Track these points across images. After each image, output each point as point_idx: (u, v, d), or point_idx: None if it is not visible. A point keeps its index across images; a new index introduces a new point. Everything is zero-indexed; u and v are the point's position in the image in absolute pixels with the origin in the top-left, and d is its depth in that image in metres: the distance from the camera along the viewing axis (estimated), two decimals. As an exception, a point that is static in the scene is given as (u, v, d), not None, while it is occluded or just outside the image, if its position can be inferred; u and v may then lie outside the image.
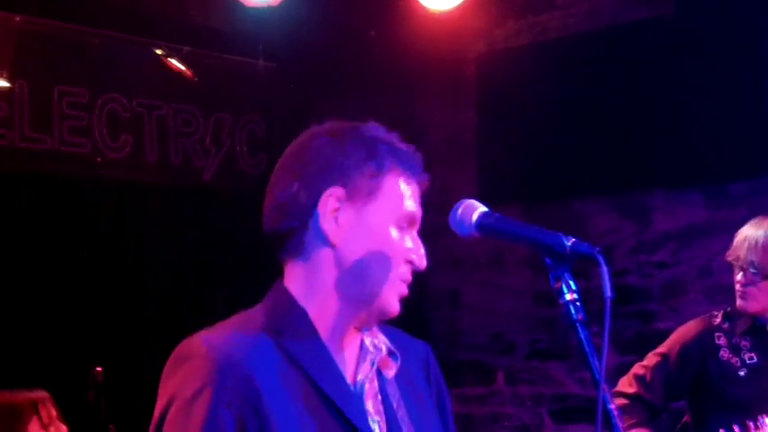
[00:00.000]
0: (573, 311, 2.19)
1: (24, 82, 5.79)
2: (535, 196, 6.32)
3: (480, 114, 6.86)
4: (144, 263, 6.41)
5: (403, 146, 2.48)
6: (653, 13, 6.25)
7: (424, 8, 5.93)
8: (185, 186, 6.61)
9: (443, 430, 2.64)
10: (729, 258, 4.44)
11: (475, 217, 2.37)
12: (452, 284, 6.64)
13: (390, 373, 2.50)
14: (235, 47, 6.60)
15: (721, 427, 4.37)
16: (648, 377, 4.52)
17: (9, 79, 5.66)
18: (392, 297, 2.43)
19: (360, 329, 2.48)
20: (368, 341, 2.49)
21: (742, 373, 4.36)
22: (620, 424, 2.15)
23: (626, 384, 4.47)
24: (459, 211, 2.38)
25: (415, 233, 2.46)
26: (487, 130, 6.81)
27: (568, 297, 2.20)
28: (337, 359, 2.45)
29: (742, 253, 4.36)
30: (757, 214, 5.44)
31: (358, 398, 2.44)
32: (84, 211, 6.16)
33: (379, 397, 2.48)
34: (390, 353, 2.49)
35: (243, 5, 5.56)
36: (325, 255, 2.43)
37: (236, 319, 2.48)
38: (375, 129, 2.49)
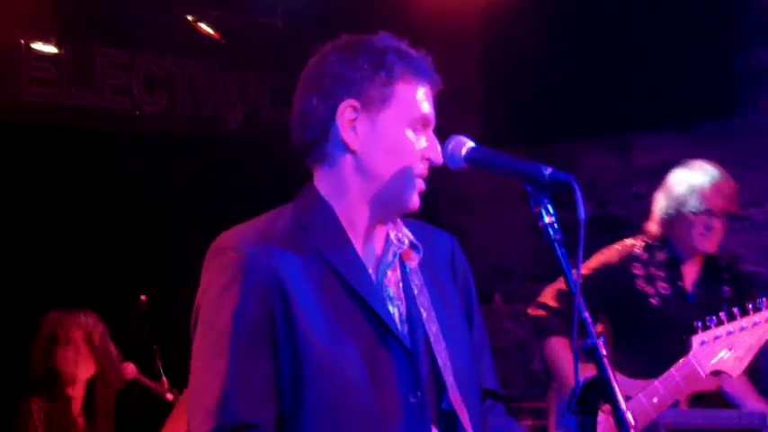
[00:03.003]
0: (551, 232, 2.25)
1: (69, 46, 5.83)
2: (530, 140, 6.35)
3: (482, 67, 6.88)
4: (178, 204, 6.58)
5: (413, 52, 2.52)
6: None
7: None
8: (215, 135, 6.63)
9: (466, 318, 2.68)
10: (719, 209, 4.50)
11: (464, 151, 2.44)
12: (458, 221, 6.62)
13: (413, 263, 2.55)
14: (256, 9, 6.52)
15: (637, 347, 4.47)
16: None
17: (57, 45, 5.74)
18: (410, 193, 2.48)
19: (385, 223, 2.52)
20: (392, 234, 2.53)
21: (654, 302, 4.55)
22: (594, 330, 2.17)
23: (550, 297, 4.55)
24: (450, 146, 2.45)
25: (430, 133, 2.50)
26: (489, 82, 6.83)
27: (547, 220, 2.26)
28: (363, 252, 2.50)
29: (726, 203, 4.53)
30: (728, 150, 5.85)
31: (379, 285, 2.49)
32: (125, 160, 6.32)
33: (401, 284, 2.52)
34: (413, 245, 2.54)
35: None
36: (347, 161, 2.48)
37: (267, 216, 2.55)
38: (385, 39, 2.52)
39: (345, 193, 2.49)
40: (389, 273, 2.51)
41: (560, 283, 4.48)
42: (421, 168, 2.46)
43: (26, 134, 5.86)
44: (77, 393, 5.24)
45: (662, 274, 4.61)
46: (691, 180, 4.60)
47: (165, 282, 6.09)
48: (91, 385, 5.27)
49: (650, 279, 4.59)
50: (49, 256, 6.04)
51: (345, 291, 2.44)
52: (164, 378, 5.36)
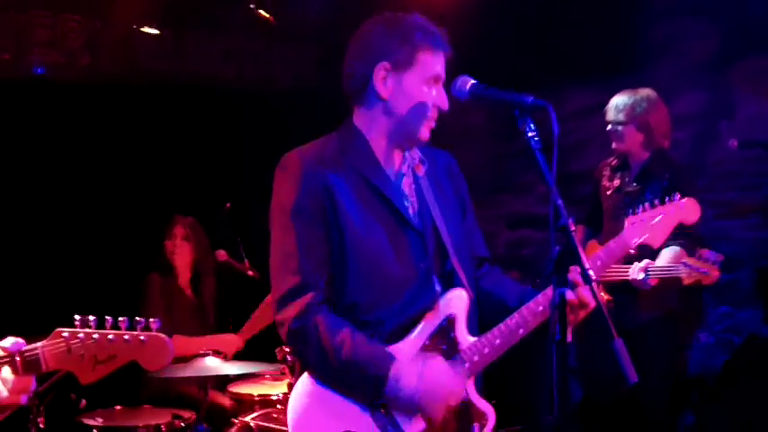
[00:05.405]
0: (533, 143, 2.37)
1: (170, 30, 6.52)
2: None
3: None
4: (247, 138, 6.80)
5: (434, 29, 2.65)
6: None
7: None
8: (271, 91, 7.16)
9: (459, 208, 2.82)
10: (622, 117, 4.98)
11: (468, 86, 2.58)
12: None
13: (420, 172, 2.73)
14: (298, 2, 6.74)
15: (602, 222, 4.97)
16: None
17: (158, 27, 6.38)
18: (422, 130, 2.64)
19: (403, 149, 2.73)
20: (406, 153, 2.75)
21: (609, 192, 5.21)
22: (565, 213, 2.24)
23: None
24: (459, 83, 2.59)
25: (440, 87, 2.64)
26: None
27: (530, 134, 2.38)
28: (385, 166, 2.67)
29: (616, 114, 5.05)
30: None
31: (397, 186, 2.67)
32: (210, 109, 6.75)
33: (413, 187, 2.71)
34: (421, 160, 2.74)
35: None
36: (379, 105, 2.66)
37: (319, 141, 2.72)
38: (415, 18, 2.66)
39: (375, 127, 2.68)
40: (405, 179, 2.71)
41: None
42: (433, 112, 2.65)
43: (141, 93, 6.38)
44: (184, 272, 5.73)
45: (618, 172, 5.20)
46: (612, 103, 5.10)
47: (243, 194, 6.10)
48: (195, 267, 5.75)
49: (611, 178, 5.20)
50: (168, 177, 6.53)
51: (373, 192, 2.62)
52: (246, 260, 5.68)
